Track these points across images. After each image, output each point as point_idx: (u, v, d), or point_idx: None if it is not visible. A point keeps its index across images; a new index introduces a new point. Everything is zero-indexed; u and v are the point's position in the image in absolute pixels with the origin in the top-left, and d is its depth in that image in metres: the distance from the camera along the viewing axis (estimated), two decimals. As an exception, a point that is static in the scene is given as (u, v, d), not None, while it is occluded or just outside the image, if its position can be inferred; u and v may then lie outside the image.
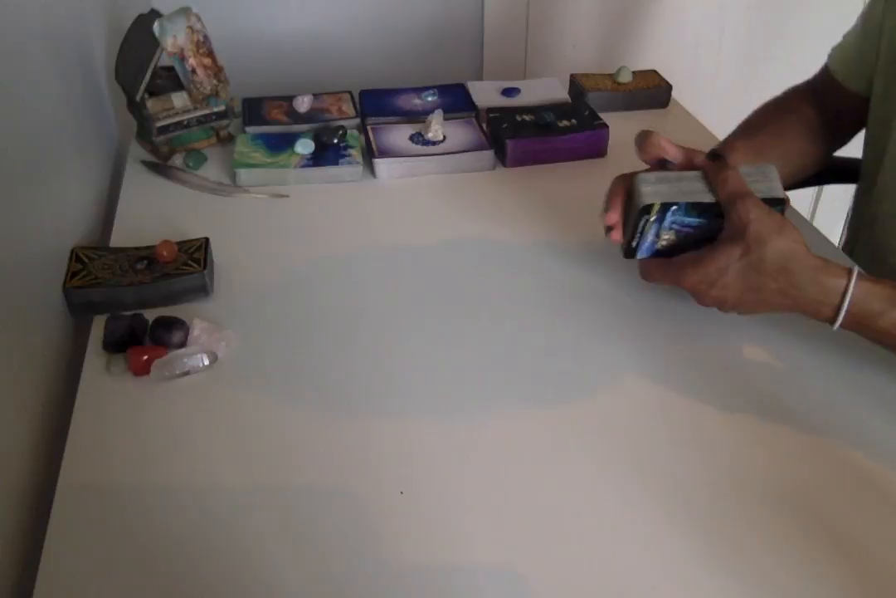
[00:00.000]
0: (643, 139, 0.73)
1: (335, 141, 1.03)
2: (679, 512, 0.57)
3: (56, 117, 0.87)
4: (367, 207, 0.95)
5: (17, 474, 0.61)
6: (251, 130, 1.08)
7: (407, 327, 0.75)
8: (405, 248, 0.87)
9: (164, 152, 1.03)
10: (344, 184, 1.00)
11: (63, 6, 0.97)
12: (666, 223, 0.70)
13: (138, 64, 0.97)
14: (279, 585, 0.53)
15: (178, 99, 1.01)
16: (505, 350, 0.73)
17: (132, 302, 0.76)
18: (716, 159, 0.71)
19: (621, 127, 1.07)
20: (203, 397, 0.67)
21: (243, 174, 0.98)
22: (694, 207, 0.69)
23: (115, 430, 0.64)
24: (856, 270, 0.65)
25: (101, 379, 0.69)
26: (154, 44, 0.96)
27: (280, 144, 1.03)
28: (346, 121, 1.09)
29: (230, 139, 1.07)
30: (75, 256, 0.79)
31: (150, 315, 0.73)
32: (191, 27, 0.97)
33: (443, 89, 1.18)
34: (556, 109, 1.09)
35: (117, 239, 0.88)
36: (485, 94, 1.17)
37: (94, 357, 0.71)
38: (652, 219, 0.70)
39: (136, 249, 0.82)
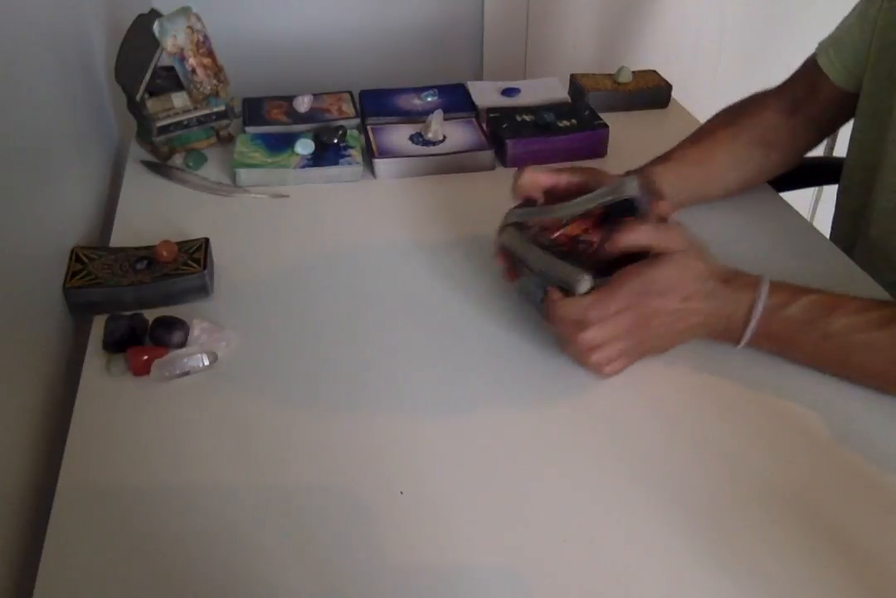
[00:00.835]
0: (515, 179, 0.75)
1: (335, 141, 1.03)
2: (679, 512, 0.57)
3: (56, 117, 0.87)
4: (367, 207, 0.95)
5: (17, 474, 0.61)
6: (251, 130, 1.08)
7: (407, 327, 0.75)
8: (405, 248, 0.87)
9: (164, 152, 1.03)
10: (344, 184, 1.00)
11: (63, 6, 0.97)
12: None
13: (138, 64, 0.97)
14: (279, 584, 0.53)
15: (178, 99, 1.01)
16: (506, 349, 0.73)
17: (132, 302, 0.76)
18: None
19: (621, 127, 1.07)
20: (203, 397, 0.67)
21: (243, 174, 0.98)
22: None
23: (115, 430, 0.64)
24: (766, 277, 0.66)
25: (101, 379, 0.69)
26: (154, 44, 0.96)
27: (280, 144, 1.03)
28: (346, 121, 1.09)
29: (230, 139, 1.07)
30: (75, 256, 0.79)
31: (150, 315, 0.73)
32: (191, 27, 0.97)
33: (443, 89, 1.18)
34: (556, 108, 1.09)
35: (117, 239, 0.88)
36: (485, 94, 1.17)
37: (94, 357, 0.71)
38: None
39: (136, 249, 0.82)
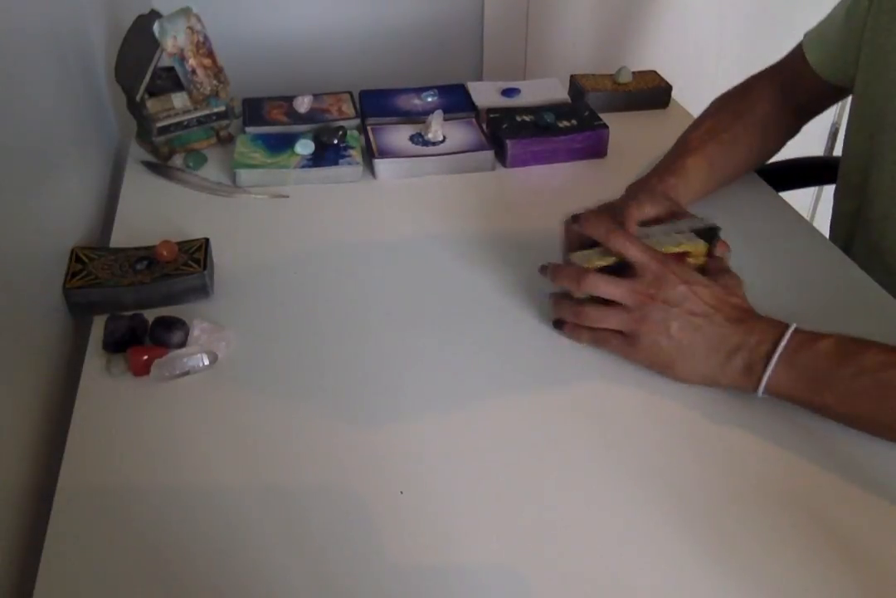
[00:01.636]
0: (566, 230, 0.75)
1: (335, 141, 1.03)
2: (678, 511, 0.57)
3: (56, 117, 0.87)
4: (367, 207, 0.95)
5: (17, 475, 0.61)
6: (251, 130, 1.08)
7: (407, 327, 0.75)
8: (405, 248, 0.87)
9: (164, 152, 1.03)
10: (344, 184, 1.00)
11: (63, 6, 0.97)
12: None
13: (138, 64, 0.97)
14: (279, 584, 0.53)
15: (178, 99, 1.01)
16: (506, 349, 0.73)
17: (132, 302, 0.76)
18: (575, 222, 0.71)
19: (621, 127, 1.07)
20: (203, 397, 0.67)
21: (243, 174, 0.98)
22: None
23: (115, 430, 0.64)
24: (793, 326, 0.63)
25: (101, 379, 0.69)
26: (154, 44, 0.96)
27: (280, 144, 1.03)
28: (346, 121, 1.09)
29: (230, 139, 1.07)
30: (75, 256, 0.79)
31: (150, 315, 0.73)
32: (191, 28, 0.97)
33: (443, 89, 1.18)
34: (556, 109, 1.09)
35: (117, 239, 0.88)
36: (485, 94, 1.17)
37: (94, 357, 0.71)
38: None
39: (136, 249, 0.82)
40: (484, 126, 1.09)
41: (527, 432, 0.64)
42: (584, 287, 0.68)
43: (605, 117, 1.07)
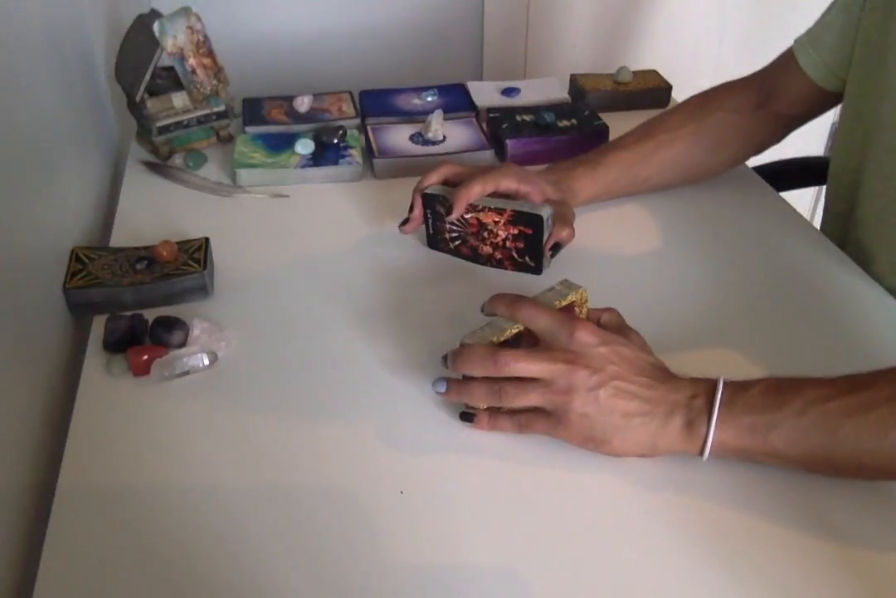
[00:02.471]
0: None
1: (335, 141, 1.03)
2: (678, 512, 0.57)
3: (56, 117, 0.87)
4: (367, 207, 0.95)
5: (17, 474, 0.61)
6: (251, 130, 1.08)
7: (407, 326, 0.75)
8: (405, 248, 0.87)
9: (164, 152, 1.03)
10: (344, 184, 1.00)
11: (63, 6, 0.97)
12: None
13: (138, 64, 0.97)
14: (279, 584, 0.53)
15: (178, 99, 1.01)
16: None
17: (132, 302, 0.76)
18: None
19: (621, 127, 1.07)
20: (203, 397, 0.67)
21: (243, 174, 0.98)
22: None
23: (115, 430, 0.64)
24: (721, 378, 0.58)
25: (101, 379, 0.69)
26: (154, 44, 0.96)
27: (280, 144, 1.03)
28: (346, 121, 1.09)
29: (230, 139, 1.07)
30: (75, 256, 0.79)
31: (150, 315, 0.73)
32: (191, 27, 0.97)
33: (443, 89, 1.18)
34: (556, 109, 1.09)
35: (117, 239, 0.88)
36: (485, 94, 1.17)
37: (94, 357, 0.71)
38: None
39: (136, 249, 0.82)
40: (484, 126, 1.09)
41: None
42: (502, 369, 0.58)
43: (605, 117, 1.07)
